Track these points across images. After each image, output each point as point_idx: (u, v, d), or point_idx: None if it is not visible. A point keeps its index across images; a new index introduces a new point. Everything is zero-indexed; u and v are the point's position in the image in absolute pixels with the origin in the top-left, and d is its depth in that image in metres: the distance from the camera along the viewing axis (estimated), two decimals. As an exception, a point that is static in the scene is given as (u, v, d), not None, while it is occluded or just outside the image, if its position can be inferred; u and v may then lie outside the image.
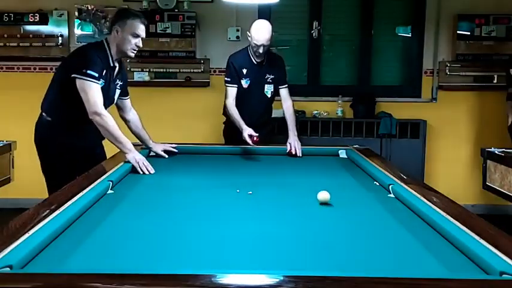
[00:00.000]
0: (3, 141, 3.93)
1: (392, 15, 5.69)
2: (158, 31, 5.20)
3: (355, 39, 5.63)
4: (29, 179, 4.91)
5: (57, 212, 1.99)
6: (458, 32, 5.29)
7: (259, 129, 4.10)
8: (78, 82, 3.03)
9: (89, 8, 5.35)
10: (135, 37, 3.13)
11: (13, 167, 4.00)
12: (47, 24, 5.32)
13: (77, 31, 5.37)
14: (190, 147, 3.80)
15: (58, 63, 5.30)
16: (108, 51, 3.18)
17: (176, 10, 5.24)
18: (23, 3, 5.31)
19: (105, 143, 3.36)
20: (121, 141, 3.08)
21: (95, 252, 1.75)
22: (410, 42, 5.57)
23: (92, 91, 3.02)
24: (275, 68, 4.11)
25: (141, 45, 3.18)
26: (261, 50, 3.90)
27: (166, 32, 5.22)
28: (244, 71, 4.02)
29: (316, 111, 5.38)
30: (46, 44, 5.33)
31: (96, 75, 3.03)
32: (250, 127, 3.92)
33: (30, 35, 5.32)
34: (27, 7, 5.30)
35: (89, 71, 3.02)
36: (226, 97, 4.05)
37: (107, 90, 3.20)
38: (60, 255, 1.67)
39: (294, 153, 3.76)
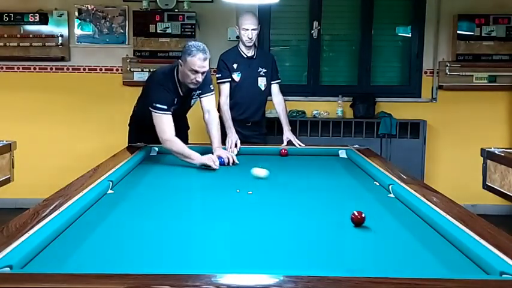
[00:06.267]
0: (3, 141, 3.93)
1: (392, 15, 5.67)
2: (158, 31, 5.19)
3: (355, 39, 5.62)
4: (29, 179, 4.93)
5: (57, 212, 1.99)
6: (458, 32, 5.28)
7: (250, 130, 4.19)
8: (152, 113, 3.44)
9: (89, 8, 5.35)
10: (193, 73, 3.35)
11: (13, 167, 3.99)
12: (47, 24, 5.32)
13: (77, 31, 5.36)
14: (189, 147, 3.79)
15: (58, 63, 5.41)
16: (177, 82, 3.52)
17: (176, 10, 5.24)
18: (23, 3, 5.30)
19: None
20: (188, 156, 3.36)
21: (94, 252, 1.75)
22: (410, 42, 5.56)
23: (160, 121, 3.43)
24: (266, 61, 4.24)
25: (200, 79, 3.40)
26: (250, 35, 4.03)
27: (166, 32, 5.22)
28: (235, 65, 4.14)
29: (316, 111, 5.38)
30: (46, 44, 5.32)
31: (165, 107, 3.42)
32: (242, 123, 4.11)
33: (30, 35, 5.32)
34: (27, 7, 5.29)
35: (157, 105, 3.42)
36: (219, 95, 4.14)
37: (181, 105, 3.62)
38: (60, 255, 1.68)
39: (296, 146, 3.95)
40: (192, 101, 3.76)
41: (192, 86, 3.47)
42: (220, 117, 4.08)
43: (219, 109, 4.08)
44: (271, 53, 4.52)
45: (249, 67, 4.16)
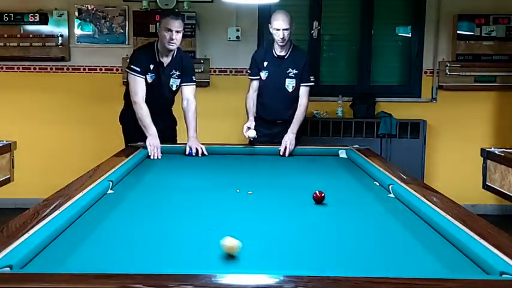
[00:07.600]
0: (3, 141, 3.93)
1: (392, 15, 5.68)
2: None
3: (355, 39, 5.62)
4: (29, 179, 4.93)
5: (57, 212, 1.99)
6: (458, 32, 5.29)
7: (281, 128, 4.13)
8: (128, 76, 3.78)
9: (89, 8, 5.35)
10: (167, 31, 3.64)
11: (13, 167, 3.99)
12: (47, 24, 5.32)
13: (77, 31, 5.36)
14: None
15: (58, 63, 5.41)
16: (155, 49, 3.78)
17: (176, 10, 5.23)
18: (23, 3, 5.30)
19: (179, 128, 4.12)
20: (145, 125, 3.65)
21: (94, 252, 1.75)
22: (410, 42, 5.56)
23: (134, 83, 3.72)
24: (298, 63, 4.14)
25: (174, 37, 3.65)
26: (281, 35, 3.99)
27: (166, 32, 5.22)
28: (265, 63, 4.14)
29: (316, 111, 5.38)
30: (46, 44, 5.33)
31: (138, 69, 3.69)
32: (271, 122, 4.15)
33: (30, 35, 5.32)
34: (27, 7, 5.30)
35: (132, 66, 3.72)
36: (248, 89, 4.22)
37: (159, 80, 3.80)
38: (60, 255, 1.68)
39: (281, 153, 3.75)
40: (171, 80, 3.85)
41: (169, 46, 3.68)
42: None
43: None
44: (306, 55, 4.38)
45: (278, 67, 4.11)
